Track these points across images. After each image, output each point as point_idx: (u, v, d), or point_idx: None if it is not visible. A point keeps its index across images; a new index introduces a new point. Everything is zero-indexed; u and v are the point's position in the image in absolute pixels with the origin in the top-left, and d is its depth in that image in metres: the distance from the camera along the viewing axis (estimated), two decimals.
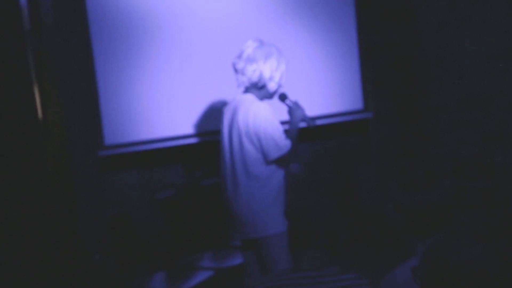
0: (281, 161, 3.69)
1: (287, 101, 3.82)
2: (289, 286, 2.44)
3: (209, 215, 4.61)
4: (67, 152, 4.45)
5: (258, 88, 3.69)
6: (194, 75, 4.88)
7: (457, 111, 5.34)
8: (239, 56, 3.71)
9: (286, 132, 3.72)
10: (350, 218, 4.96)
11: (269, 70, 3.64)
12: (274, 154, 3.60)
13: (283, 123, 3.76)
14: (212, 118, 4.86)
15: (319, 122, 4.49)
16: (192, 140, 4.86)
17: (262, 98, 3.70)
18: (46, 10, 4.35)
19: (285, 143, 3.61)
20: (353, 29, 5.36)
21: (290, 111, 3.80)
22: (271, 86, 3.67)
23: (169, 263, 4.29)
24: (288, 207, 2.82)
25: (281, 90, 3.80)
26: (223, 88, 4.83)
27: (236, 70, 3.72)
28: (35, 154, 4.09)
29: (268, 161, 3.64)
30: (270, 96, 3.74)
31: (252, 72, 3.64)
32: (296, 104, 3.80)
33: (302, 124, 3.89)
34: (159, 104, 4.79)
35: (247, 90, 3.73)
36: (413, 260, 2.47)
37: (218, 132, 4.86)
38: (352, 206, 5.61)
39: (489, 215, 4.73)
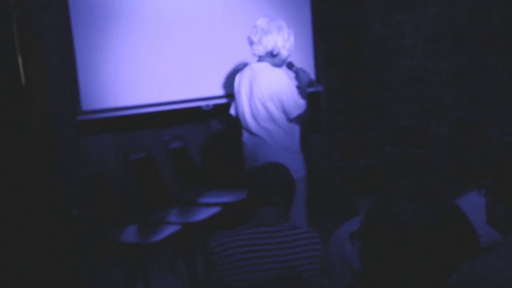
0: (299, 118, 4.05)
1: (294, 68, 4.18)
2: (248, 240, 2.62)
3: (176, 176, 4.70)
4: (48, 115, 4.45)
5: (272, 56, 4.00)
6: (164, 48, 4.97)
7: (397, 86, 5.66)
8: (255, 29, 4.01)
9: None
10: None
11: (281, 40, 3.97)
12: (295, 111, 3.97)
13: None
14: (178, 88, 5.03)
15: None
16: (161, 108, 4.97)
17: (274, 65, 4.02)
18: None
19: (303, 102, 3.98)
20: (308, 13, 5.59)
21: (297, 77, 4.13)
22: (284, 53, 4.00)
23: (139, 218, 4.34)
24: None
25: (288, 60, 4.13)
26: (191, 61, 5.02)
27: (252, 42, 4.03)
28: (18, 117, 4.08)
29: (289, 119, 4.00)
30: (281, 63, 4.05)
31: (268, 42, 3.96)
32: (302, 70, 4.15)
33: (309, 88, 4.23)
34: (131, 74, 4.86)
35: (261, 59, 4.05)
36: (356, 219, 2.64)
37: (183, 101, 5.05)
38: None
39: (424, 177, 5.11)
